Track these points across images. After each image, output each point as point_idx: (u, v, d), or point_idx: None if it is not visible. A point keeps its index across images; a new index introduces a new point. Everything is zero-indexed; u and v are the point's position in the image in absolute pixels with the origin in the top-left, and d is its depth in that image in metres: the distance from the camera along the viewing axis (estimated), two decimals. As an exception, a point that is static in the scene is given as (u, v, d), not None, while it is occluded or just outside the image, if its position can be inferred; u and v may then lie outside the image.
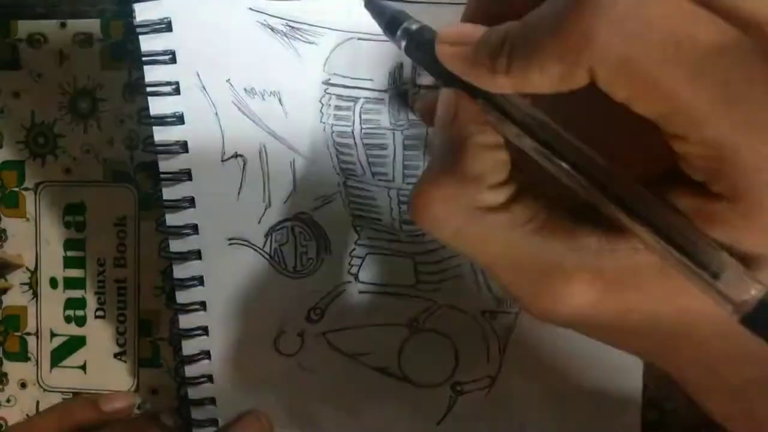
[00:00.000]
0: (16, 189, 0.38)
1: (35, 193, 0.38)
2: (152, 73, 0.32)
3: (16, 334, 0.39)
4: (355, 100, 0.32)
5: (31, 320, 0.39)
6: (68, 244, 0.38)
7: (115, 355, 0.38)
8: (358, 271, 0.35)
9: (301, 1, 0.31)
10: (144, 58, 0.31)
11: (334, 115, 0.32)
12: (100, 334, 0.38)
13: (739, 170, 0.18)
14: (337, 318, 0.36)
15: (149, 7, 0.31)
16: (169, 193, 0.33)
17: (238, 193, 0.33)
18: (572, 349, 0.36)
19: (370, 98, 0.32)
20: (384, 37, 0.31)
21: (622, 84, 0.18)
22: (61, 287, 0.38)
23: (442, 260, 0.35)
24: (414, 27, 0.23)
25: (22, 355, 0.39)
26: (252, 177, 0.33)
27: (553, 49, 0.18)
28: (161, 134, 0.33)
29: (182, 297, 0.35)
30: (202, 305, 0.35)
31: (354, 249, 0.35)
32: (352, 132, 0.33)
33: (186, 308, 0.35)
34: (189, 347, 0.35)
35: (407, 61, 0.32)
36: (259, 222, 0.34)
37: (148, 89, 0.32)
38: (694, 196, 0.19)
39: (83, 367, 0.39)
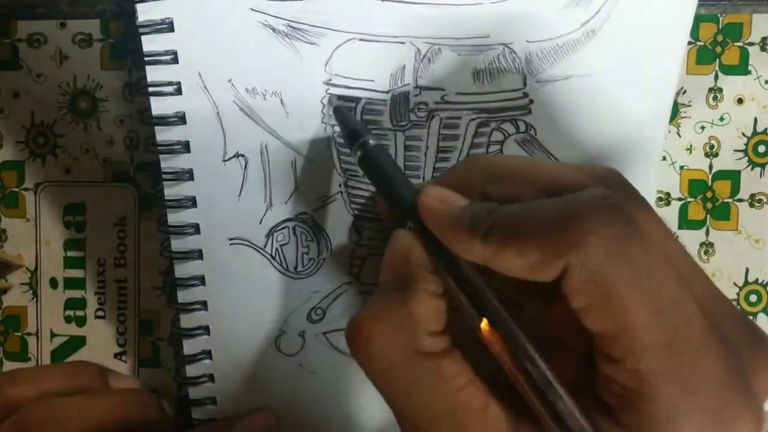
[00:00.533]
0: (16, 189, 0.38)
1: (35, 194, 0.38)
2: (154, 73, 0.32)
3: (16, 334, 0.39)
4: (357, 100, 0.32)
5: (31, 320, 0.38)
6: (68, 244, 0.38)
7: (116, 355, 0.38)
8: (360, 272, 0.35)
9: (302, 1, 0.31)
10: (146, 58, 0.31)
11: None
12: (100, 334, 0.38)
13: (652, 410, 0.19)
14: (339, 318, 0.36)
15: (151, 8, 0.31)
16: (171, 192, 0.33)
17: (240, 193, 0.33)
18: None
19: (371, 99, 0.32)
20: (386, 38, 0.32)
21: (588, 293, 0.20)
22: (62, 287, 0.38)
23: (443, 260, 0.35)
24: (372, 142, 0.27)
25: (23, 356, 0.39)
26: (253, 177, 0.33)
27: (542, 238, 0.20)
28: (163, 134, 0.33)
29: (183, 296, 0.35)
30: (204, 305, 0.35)
31: (355, 250, 0.35)
32: (354, 132, 0.33)
33: (187, 308, 0.35)
34: (190, 347, 0.35)
35: (409, 63, 0.32)
36: (261, 222, 0.34)
37: (150, 89, 0.32)
38: (602, 414, 0.21)
39: (84, 367, 0.39)
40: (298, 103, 0.32)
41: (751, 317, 0.38)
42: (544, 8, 0.31)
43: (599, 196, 0.20)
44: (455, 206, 0.23)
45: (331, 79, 0.32)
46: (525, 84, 0.32)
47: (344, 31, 0.31)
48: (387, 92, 0.32)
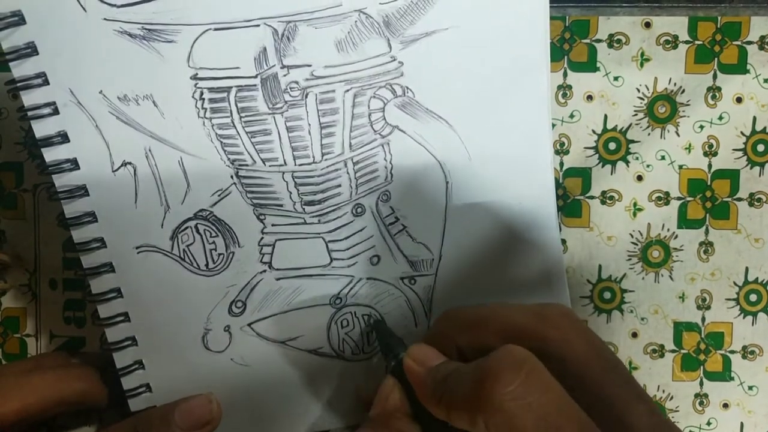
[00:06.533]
0: (15, 190, 0.38)
1: (34, 195, 0.38)
2: (29, 97, 0.32)
3: (16, 335, 0.39)
4: (227, 89, 0.32)
5: (31, 322, 0.39)
6: (67, 245, 0.38)
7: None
8: (271, 259, 0.35)
9: (151, 3, 0.31)
10: (18, 84, 0.32)
11: (210, 108, 0.33)
12: (99, 336, 0.38)
13: None
14: (260, 307, 0.36)
15: (11, 33, 0.31)
16: (70, 210, 0.34)
17: (135, 200, 0.34)
18: (492, 296, 0.36)
19: (241, 86, 0.32)
20: (239, 23, 0.32)
21: None
22: (61, 288, 0.39)
23: (352, 235, 0.36)
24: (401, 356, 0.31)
25: (22, 357, 0.39)
26: (145, 183, 0.33)
27: (464, 405, 0.26)
28: (51, 154, 0.33)
29: (104, 311, 0.35)
30: (125, 316, 0.35)
31: (262, 238, 0.35)
32: (232, 122, 0.33)
33: (110, 321, 0.35)
34: (120, 359, 0.36)
35: (269, 44, 0.32)
36: (162, 226, 0.34)
37: (29, 113, 0.32)
38: None
39: (83, 368, 0.39)
40: (171, 102, 0.32)
41: (750, 317, 0.38)
42: (390, -32, 0.31)
43: (505, 356, 0.26)
44: (427, 367, 0.29)
45: (197, 73, 0.32)
46: (390, 47, 0.32)
47: (198, 24, 0.31)
48: (255, 76, 0.32)
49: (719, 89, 0.37)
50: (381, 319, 0.36)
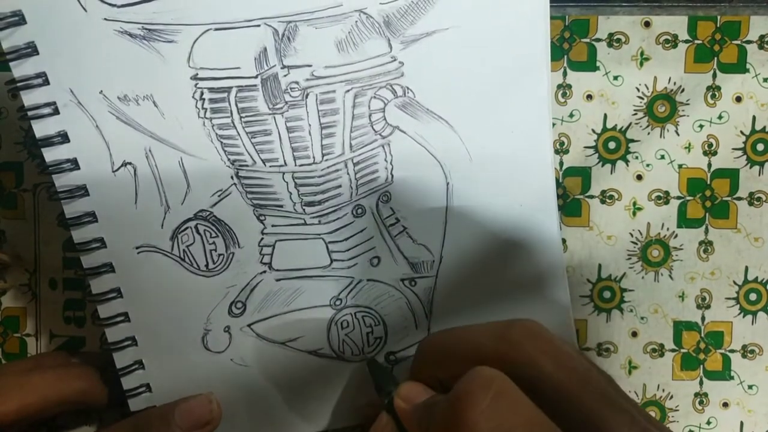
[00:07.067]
0: (15, 190, 0.38)
1: (34, 195, 0.38)
2: (29, 97, 0.32)
3: (16, 335, 0.39)
4: (228, 90, 0.32)
5: (31, 321, 0.39)
6: (67, 245, 0.38)
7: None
8: (271, 260, 0.35)
9: (151, 3, 0.31)
10: (18, 84, 0.32)
11: (211, 108, 0.33)
12: (99, 335, 0.38)
13: None
14: (260, 308, 0.36)
15: (11, 33, 0.31)
16: (70, 210, 0.34)
17: (135, 200, 0.34)
18: (493, 302, 0.36)
19: (242, 86, 0.32)
20: (240, 23, 0.32)
21: None
22: (61, 288, 0.39)
23: (353, 236, 0.36)
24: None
25: (22, 357, 0.39)
26: (145, 183, 0.33)
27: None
28: (51, 154, 0.33)
29: (104, 311, 0.35)
30: (125, 316, 0.35)
31: (262, 238, 0.35)
32: (232, 122, 0.33)
33: (110, 321, 0.35)
34: (121, 359, 0.36)
35: (270, 44, 0.32)
36: (162, 226, 0.34)
37: (29, 113, 0.32)
38: None
39: (82, 368, 0.39)
40: (171, 102, 0.32)
41: (750, 316, 0.38)
42: (391, -32, 0.31)
43: (474, 378, 0.26)
44: (414, 404, 0.30)
45: (197, 73, 0.32)
46: (390, 47, 0.32)
47: (198, 24, 0.31)
48: (255, 77, 0.32)
49: (719, 88, 0.37)
50: (374, 358, 0.36)
